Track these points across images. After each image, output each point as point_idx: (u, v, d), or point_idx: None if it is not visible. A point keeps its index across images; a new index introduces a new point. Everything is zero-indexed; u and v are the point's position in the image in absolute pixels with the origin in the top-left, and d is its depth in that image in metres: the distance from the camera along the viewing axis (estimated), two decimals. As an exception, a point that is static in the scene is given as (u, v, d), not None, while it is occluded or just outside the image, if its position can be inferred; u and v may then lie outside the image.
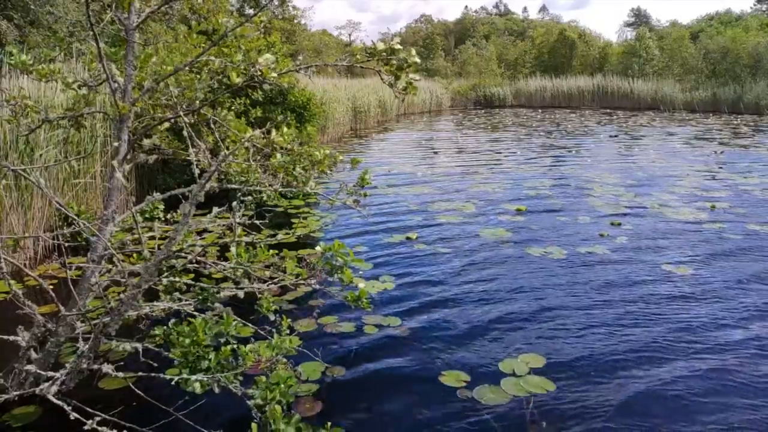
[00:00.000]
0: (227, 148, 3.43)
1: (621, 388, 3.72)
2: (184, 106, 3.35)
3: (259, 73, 2.74)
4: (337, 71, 28.97)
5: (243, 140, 3.01)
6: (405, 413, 3.49)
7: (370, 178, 3.56)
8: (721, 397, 3.62)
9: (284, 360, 2.99)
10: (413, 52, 2.84)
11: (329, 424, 2.91)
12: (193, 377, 2.61)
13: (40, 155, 6.26)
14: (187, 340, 2.63)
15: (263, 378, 2.76)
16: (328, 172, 3.75)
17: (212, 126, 3.54)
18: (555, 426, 3.33)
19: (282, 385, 2.73)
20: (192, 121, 3.55)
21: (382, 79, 2.90)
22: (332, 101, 18.39)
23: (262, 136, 3.11)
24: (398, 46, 2.80)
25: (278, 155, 3.15)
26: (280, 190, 3.62)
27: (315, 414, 3.43)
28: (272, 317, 3.12)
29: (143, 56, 3.26)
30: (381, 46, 2.83)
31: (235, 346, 2.82)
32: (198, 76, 3.31)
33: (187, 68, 3.16)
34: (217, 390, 2.71)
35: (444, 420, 3.41)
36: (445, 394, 3.66)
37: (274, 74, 2.75)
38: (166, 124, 3.72)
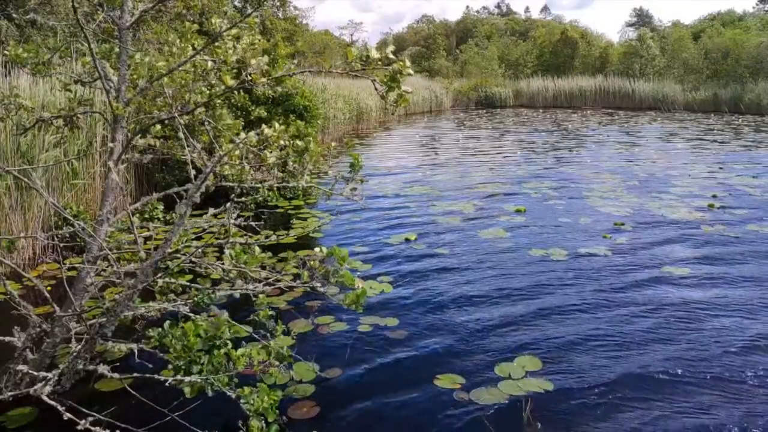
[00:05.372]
0: (221, 147, 3.42)
1: (620, 391, 3.71)
2: (179, 107, 3.34)
3: (250, 78, 2.73)
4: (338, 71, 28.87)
5: (237, 142, 3.00)
6: (401, 415, 3.48)
7: (362, 163, 3.50)
8: (726, 404, 3.59)
9: (277, 363, 2.98)
10: (407, 62, 2.82)
11: None
12: (186, 378, 2.60)
13: (41, 157, 6.26)
14: (179, 345, 2.62)
15: (247, 390, 2.74)
16: (327, 168, 3.74)
17: (206, 126, 3.53)
18: (552, 428, 3.32)
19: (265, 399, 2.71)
20: (186, 121, 3.55)
21: (376, 89, 2.88)
22: (335, 97, 18.41)
23: (256, 135, 3.10)
24: (392, 56, 2.78)
25: (267, 152, 3.13)
26: (276, 186, 3.61)
27: (312, 416, 3.43)
28: (270, 325, 3.11)
29: (129, 57, 3.25)
30: (375, 54, 2.81)
31: (228, 349, 2.81)
32: (192, 76, 3.31)
33: (180, 69, 3.16)
34: (210, 393, 2.70)
35: (440, 422, 3.39)
36: (441, 396, 3.65)
37: (264, 80, 2.74)
38: (162, 124, 3.71)
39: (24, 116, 3.61)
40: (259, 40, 3.32)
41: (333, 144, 8.38)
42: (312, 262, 3.38)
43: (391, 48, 2.80)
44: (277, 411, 2.96)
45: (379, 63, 2.86)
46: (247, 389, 2.79)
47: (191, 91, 3.32)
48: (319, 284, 3.27)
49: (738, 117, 26.01)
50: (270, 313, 3.21)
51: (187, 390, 2.62)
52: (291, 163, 3.30)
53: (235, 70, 3.17)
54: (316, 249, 3.35)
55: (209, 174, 3.05)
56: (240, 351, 2.80)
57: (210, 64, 3.04)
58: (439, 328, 4.65)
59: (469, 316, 4.88)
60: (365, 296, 3.29)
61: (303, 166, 3.35)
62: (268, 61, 3.03)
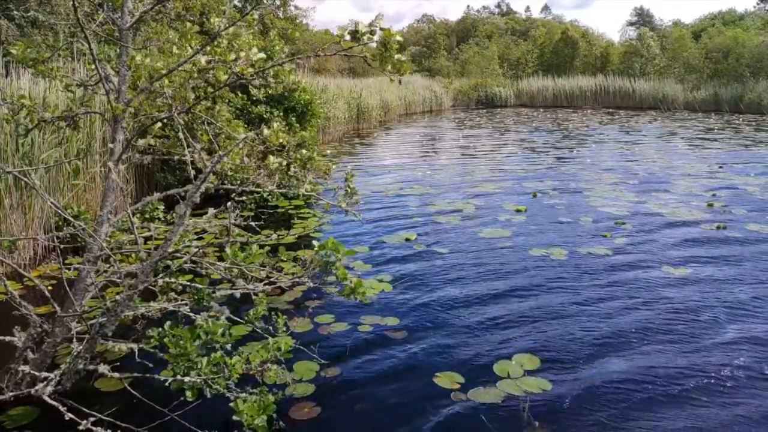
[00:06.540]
0: (220, 147, 3.43)
1: (618, 389, 3.71)
2: (177, 107, 3.35)
3: (239, 71, 2.73)
4: (338, 71, 28.91)
5: (237, 142, 3.00)
6: (401, 414, 3.48)
7: (355, 186, 3.52)
8: (726, 400, 3.60)
9: (275, 367, 2.98)
10: (393, 30, 2.79)
11: None
12: (186, 379, 2.61)
13: (42, 158, 6.26)
14: (177, 350, 2.63)
15: (240, 402, 2.76)
16: (327, 178, 3.75)
17: (206, 126, 3.54)
18: (550, 427, 3.32)
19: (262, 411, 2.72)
20: (186, 120, 3.55)
21: (368, 63, 2.87)
22: (336, 97, 18.40)
23: (256, 136, 3.10)
24: (381, 23, 2.76)
25: (271, 157, 3.14)
26: (276, 190, 3.61)
27: (313, 417, 3.43)
28: (258, 326, 3.11)
29: (129, 58, 3.25)
30: (363, 28, 2.80)
31: (222, 358, 2.81)
32: (189, 75, 3.31)
33: (180, 69, 3.16)
34: (208, 395, 2.70)
35: (440, 421, 3.40)
36: (439, 395, 3.66)
37: (251, 70, 2.73)
38: (161, 124, 3.71)
39: (24, 115, 3.60)
40: (252, 34, 3.32)
41: (334, 144, 8.46)
42: (308, 256, 3.39)
43: (381, 23, 2.78)
44: (274, 420, 2.97)
45: (370, 35, 2.84)
46: (241, 402, 2.79)
47: (191, 88, 3.31)
48: (306, 279, 3.28)
49: (738, 116, 25.97)
50: (264, 313, 3.21)
51: (188, 394, 2.63)
52: (293, 169, 3.30)
53: (228, 70, 3.17)
54: (314, 243, 3.36)
55: (209, 174, 3.05)
56: (235, 358, 2.81)
57: (203, 61, 3.03)
58: (438, 327, 4.66)
59: (468, 314, 4.89)
60: (363, 287, 3.28)
61: (305, 176, 3.36)
62: (265, 58, 3.02)
